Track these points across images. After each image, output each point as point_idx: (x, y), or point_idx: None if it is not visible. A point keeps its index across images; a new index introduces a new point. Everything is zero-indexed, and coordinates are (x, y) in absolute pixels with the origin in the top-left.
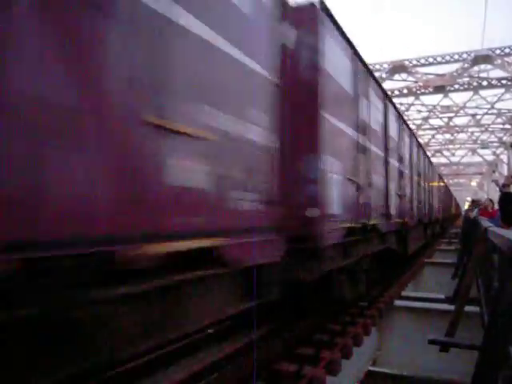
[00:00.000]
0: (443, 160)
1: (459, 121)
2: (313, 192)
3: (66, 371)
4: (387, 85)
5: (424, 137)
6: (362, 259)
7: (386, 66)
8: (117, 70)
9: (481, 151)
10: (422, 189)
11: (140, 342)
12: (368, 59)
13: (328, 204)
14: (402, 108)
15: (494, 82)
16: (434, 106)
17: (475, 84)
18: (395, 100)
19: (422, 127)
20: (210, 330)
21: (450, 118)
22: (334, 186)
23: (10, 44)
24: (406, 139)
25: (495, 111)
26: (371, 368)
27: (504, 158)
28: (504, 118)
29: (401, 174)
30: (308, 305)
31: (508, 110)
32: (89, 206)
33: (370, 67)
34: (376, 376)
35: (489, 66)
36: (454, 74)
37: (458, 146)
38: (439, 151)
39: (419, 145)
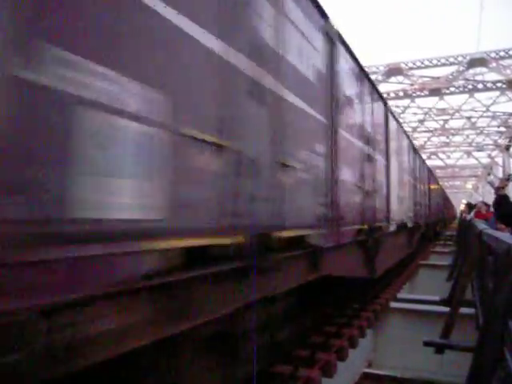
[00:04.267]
0: (439, 162)
1: (454, 123)
2: None
3: None
4: (383, 87)
5: (420, 139)
6: None
7: (382, 68)
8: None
9: (476, 154)
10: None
11: None
12: (365, 62)
13: None
14: (398, 110)
15: (489, 84)
16: (430, 109)
17: (470, 87)
18: (391, 102)
19: (418, 130)
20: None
21: (446, 121)
22: None
23: None
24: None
25: (490, 114)
26: (367, 370)
27: (499, 160)
28: (499, 120)
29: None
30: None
31: (503, 112)
32: None
33: (367, 70)
34: (371, 378)
35: (484, 69)
36: (450, 76)
37: (453, 148)
38: (435, 153)
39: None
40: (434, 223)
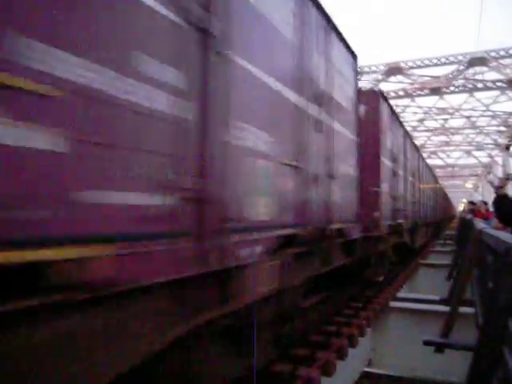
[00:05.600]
0: (439, 162)
1: (454, 123)
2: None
3: None
4: (383, 86)
5: (419, 138)
6: None
7: (381, 67)
8: None
9: (476, 153)
10: None
11: None
12: (364, 61)
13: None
14: (398, 110)
15: (489, 84)
16: (430, 108)
17: (470, 86)
18: (391, 101)
19: (418, 129)
20: None
21: (446, 120)
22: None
23: None
24: None
25: (490, 113)
26: (366, 369)
27: (499, 159)
28: (499, 120)
29: None
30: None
31: (503, 112)
32: None
33: (366, 69)
34: (371, 377)
35: (484, 69)
36: (450, 76)
37: (453, 147)
38: (434, 153)
39: None
40: (409, 231)
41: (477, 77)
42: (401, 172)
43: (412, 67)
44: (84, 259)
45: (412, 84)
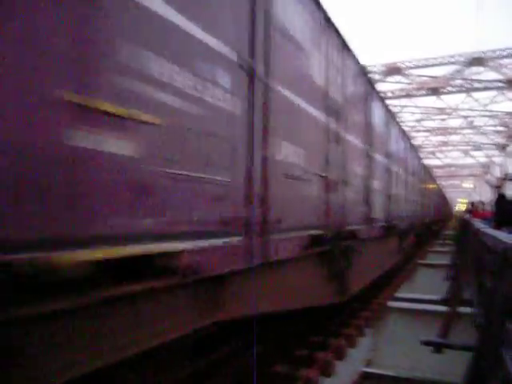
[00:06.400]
0: (436, 162)
1: (453, 123)
2: None
3: None
4: (381, 86)
5: (417, 138)
6: None
7: (380, 67)
8: None
9: (474, 153)
10: None
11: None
12: (362, 61)
13: None
14: (396, 110)
15: (487, 84)
16: (427, 108)
17: (468, 86)
18: (389, 101)
19: (416, 129)
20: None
21: (444, 120)
22: None
23: None
24: None
25: (488, 113)
26: (366, 369)
27: (497, 159)
28: (497, 120)
29: None
30: None
31: (501, 112)
32: None
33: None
34: (371, 377)
35: (482, 69)
36: (448, 76)
37: (451, 147)
38: (432, 153)
39: None
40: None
41: (475, 77)
42: (305, 105)
43: (410, 67)
44: None
45: (410, 84)
